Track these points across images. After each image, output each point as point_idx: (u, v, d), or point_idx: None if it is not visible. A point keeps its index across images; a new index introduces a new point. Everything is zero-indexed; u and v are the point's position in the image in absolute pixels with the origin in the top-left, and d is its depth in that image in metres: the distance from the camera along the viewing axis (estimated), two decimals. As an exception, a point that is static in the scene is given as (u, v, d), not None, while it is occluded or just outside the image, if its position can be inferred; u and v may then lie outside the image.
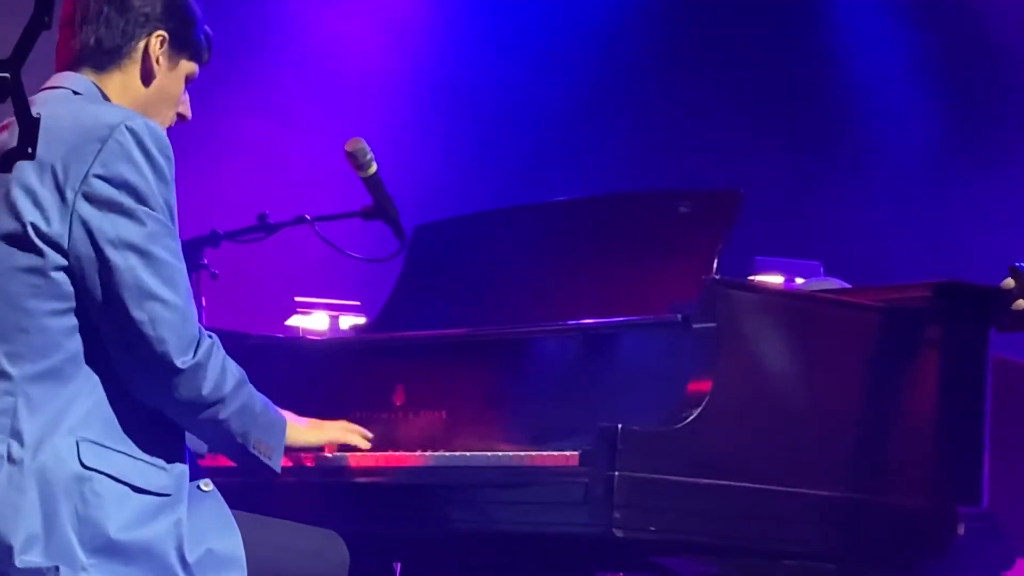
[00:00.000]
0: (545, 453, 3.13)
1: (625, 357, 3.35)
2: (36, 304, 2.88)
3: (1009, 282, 3.40)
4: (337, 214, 4.07)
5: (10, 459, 2.82)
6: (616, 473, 2.99)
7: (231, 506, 3.05)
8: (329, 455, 3.36)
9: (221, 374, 2.95)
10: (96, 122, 2.92)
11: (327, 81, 8.19)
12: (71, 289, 2.89)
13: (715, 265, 3.44)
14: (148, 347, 2.88)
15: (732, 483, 3.15)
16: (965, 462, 3.46)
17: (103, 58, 3.10)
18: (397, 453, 3.36)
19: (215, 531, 2.98)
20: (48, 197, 2.88)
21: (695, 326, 3.19)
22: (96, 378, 2.90)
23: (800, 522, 3.24)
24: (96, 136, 2.90)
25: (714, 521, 3.13)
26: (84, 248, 2.88)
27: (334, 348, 4.08)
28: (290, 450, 3.19)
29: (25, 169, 2.83)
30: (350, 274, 6.15)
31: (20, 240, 2.88)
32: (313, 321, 6.81)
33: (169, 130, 3.11)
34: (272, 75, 7.91)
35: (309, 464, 3.36)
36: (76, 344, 2.90)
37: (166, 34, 3.14)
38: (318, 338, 5.25)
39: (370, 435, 3.37)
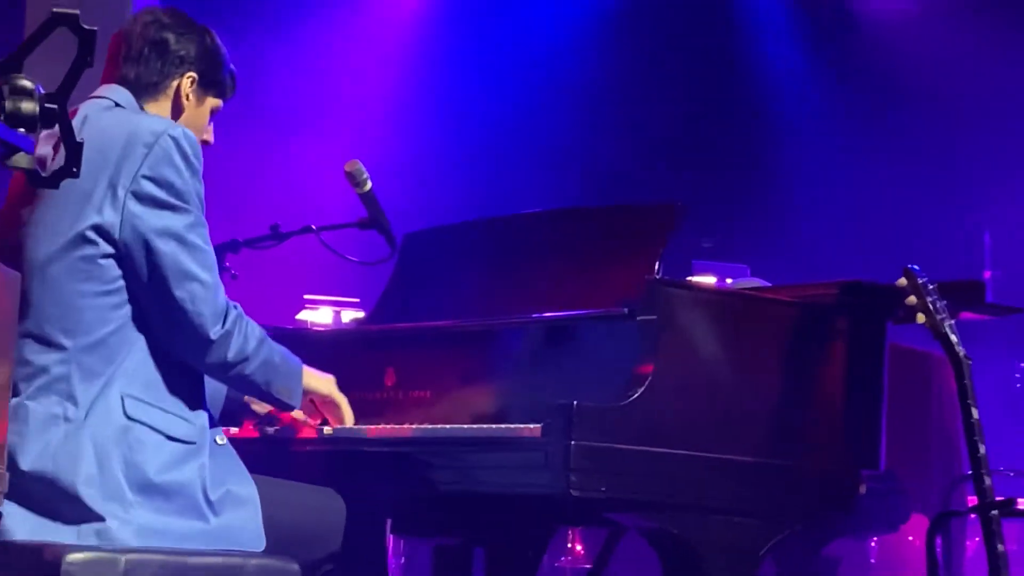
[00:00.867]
0: (513, 426, 3.14)
1: (581, 344, 3.34)
2: (88, 287, 2.91)
3: (903, 281, 3.43)
4: (338, 224, 4.07)
5: (66, 419, 2.86)
6: (572, 442, 2.98)
7: (249, 470, 3.07)
8: (329, 429, 3.37)
9: (246, 338, 3.00)
10: (143, 130, 2.95)
11: (333, 109, 8.22)
12: (118, 272, 2.91)
13: (657, 267, 3.43)
14: (188, 320, 2.92)
15: (671, 450, 3.14)
16: (866, 432, 3.45)
17: (140, 91, 3.11)
18: (388, 426, 3.37)
19: (232, 476, 3.01)
20: (102, 195, 2.90)
21: (639, 318, 3.19)
22: (136, 346, 2.94)
23: (728, 483, 3.23)
24: (143, 142, 2.92)
25: (656, 483, 3.12)
26: (132, 237, 2.90)
27: (336, 338, 4.07)
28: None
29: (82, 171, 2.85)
30: (350, 276, 6.18)
31: (78, 233, 2.90)
32: (319, 315, 6.85)
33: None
34: (283, 105, 7.95)
35: (314, 436, 3.38)
36: (119, 319, 2.93)
37: (196, 75, 3.14)
38: (323, 329, 5.26)
39: (352, 416, 3.39)
